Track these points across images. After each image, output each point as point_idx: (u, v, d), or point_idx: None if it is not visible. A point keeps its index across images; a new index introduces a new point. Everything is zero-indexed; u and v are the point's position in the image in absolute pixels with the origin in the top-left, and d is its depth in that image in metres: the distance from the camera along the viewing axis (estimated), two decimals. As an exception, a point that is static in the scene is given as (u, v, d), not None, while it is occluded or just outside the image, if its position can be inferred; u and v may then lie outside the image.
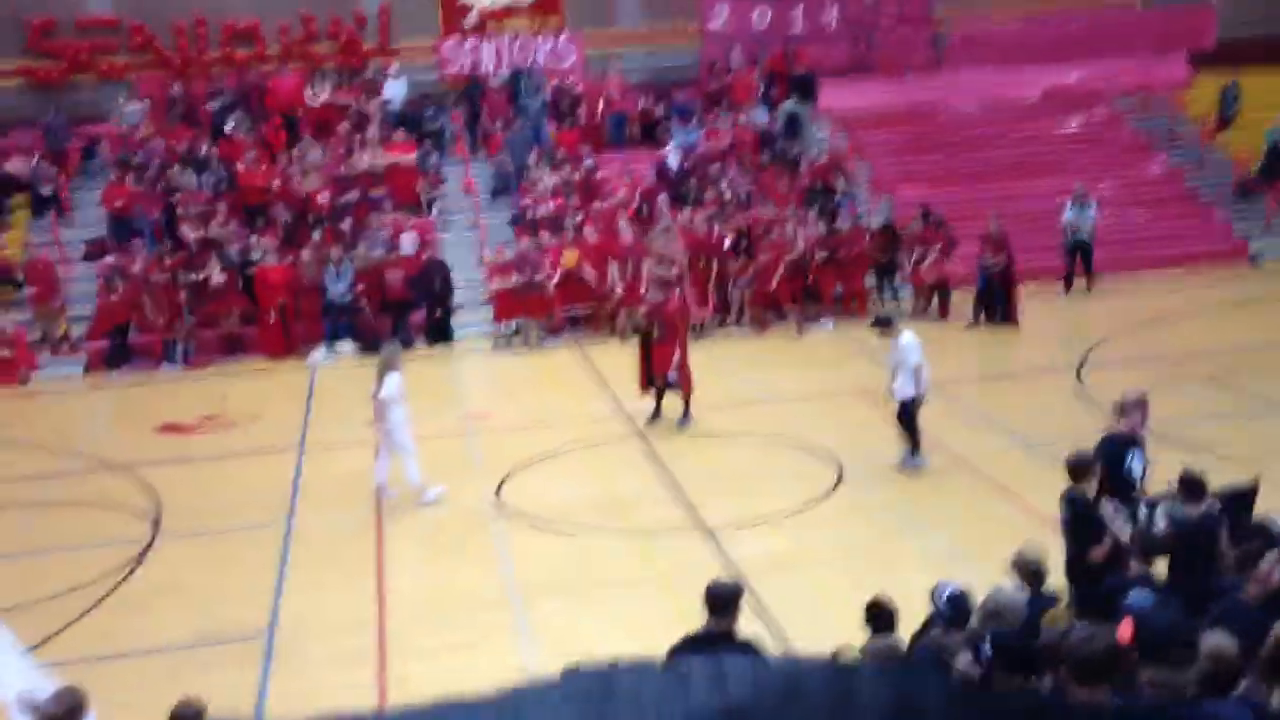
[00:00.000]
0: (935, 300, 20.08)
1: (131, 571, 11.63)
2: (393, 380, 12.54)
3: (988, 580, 7.28)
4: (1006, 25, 27.44)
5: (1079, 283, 21.09)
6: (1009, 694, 4.84)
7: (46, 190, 22.25)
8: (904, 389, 12.81)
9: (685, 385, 15.02)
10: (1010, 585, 6.93)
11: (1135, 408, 9.16)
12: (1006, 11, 27.71)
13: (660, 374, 15.09)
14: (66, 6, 25.01)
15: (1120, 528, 8.02)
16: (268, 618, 10.50)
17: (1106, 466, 8.56)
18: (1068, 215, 21.10)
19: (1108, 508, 8.18)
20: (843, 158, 23.92)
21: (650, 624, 9.59)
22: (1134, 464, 8.79)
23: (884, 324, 13.41)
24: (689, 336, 15.79)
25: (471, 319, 20.53)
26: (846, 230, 20.74)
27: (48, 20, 24.86)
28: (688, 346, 15.28)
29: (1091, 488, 8.25)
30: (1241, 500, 8.53)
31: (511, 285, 19.94)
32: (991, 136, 25.24)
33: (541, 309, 19.95)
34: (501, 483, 13.34)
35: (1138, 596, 7.08)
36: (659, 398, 15.13)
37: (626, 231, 20.20)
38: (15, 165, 22.54)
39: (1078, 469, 8.31)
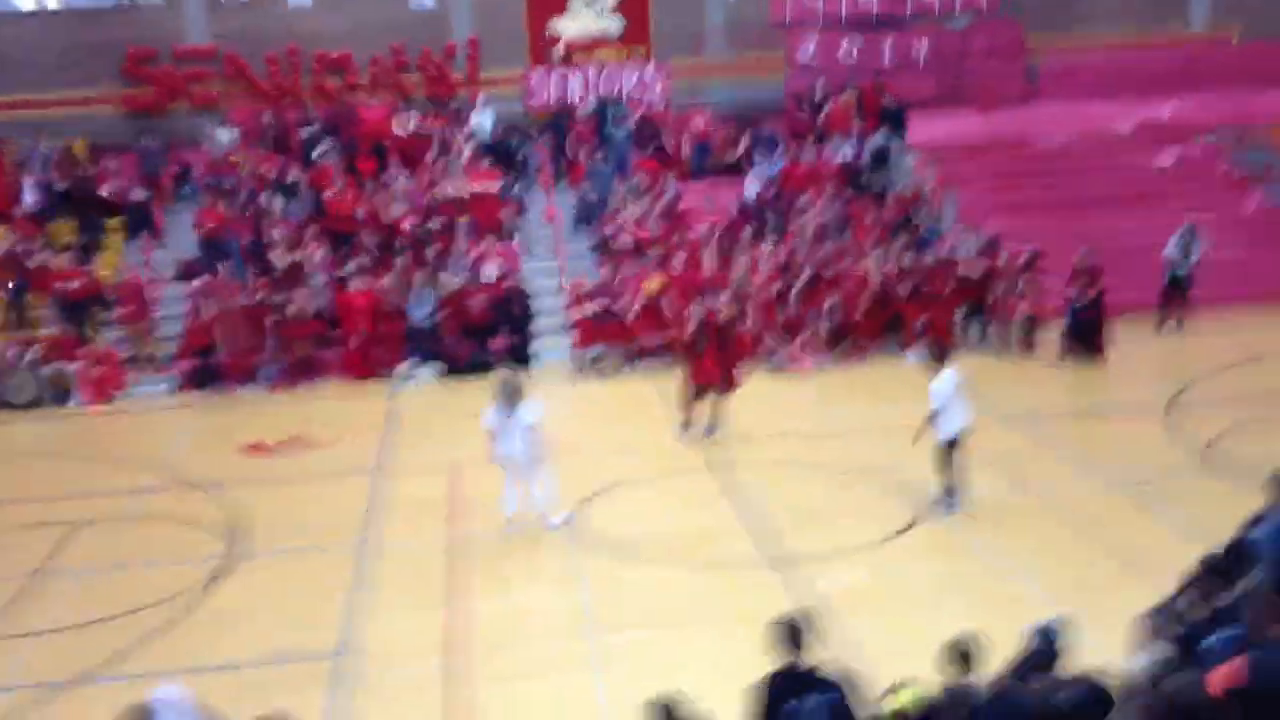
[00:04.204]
0: (1021, 334, 19.65)
1: (207, 589, 11.73)
2: (535, 406, 12.51)
3: (1072, 624, 7.03)
4: (1100, 56, 26.97)
5: (1172, 321, 20.53)
6: None
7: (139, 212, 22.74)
8: (940, 428, 12.55)
9: (726, 386, 15.63)
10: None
11: None
12: (1100, 43, 27.26)
13: (704, 383, 15.55)
14: (165, 37, 25.76)
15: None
16: (340, 639, 10.50)
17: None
18: (1170, 250, 20.60)
19: None
20: (928, 190, 23.58)
21: (726, 659, 9.42)
22: None
23: (936, 356, 12.87)
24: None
25: (553, 345, 20.55)
26: (933, 264, 20.41)
27: (147, 50, 25.65)
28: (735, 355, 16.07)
29: None
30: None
31: (593, 313, 19.95)
32: (1084, 169, 24.72)
33: (622, 337, 19.92)
34: (576, 510, 13.26)
35: None
36: (697, 403, 15.63)
37: (709, 262, 20.09)
38: (111, 189, 23.08)
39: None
